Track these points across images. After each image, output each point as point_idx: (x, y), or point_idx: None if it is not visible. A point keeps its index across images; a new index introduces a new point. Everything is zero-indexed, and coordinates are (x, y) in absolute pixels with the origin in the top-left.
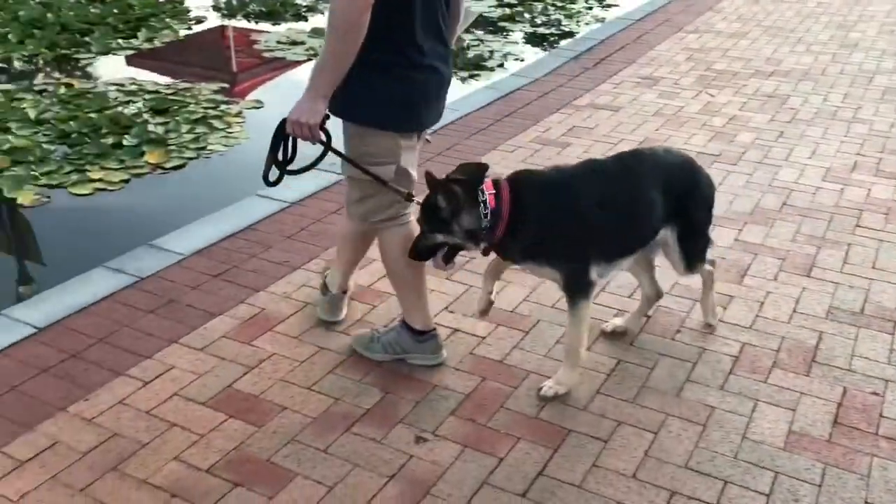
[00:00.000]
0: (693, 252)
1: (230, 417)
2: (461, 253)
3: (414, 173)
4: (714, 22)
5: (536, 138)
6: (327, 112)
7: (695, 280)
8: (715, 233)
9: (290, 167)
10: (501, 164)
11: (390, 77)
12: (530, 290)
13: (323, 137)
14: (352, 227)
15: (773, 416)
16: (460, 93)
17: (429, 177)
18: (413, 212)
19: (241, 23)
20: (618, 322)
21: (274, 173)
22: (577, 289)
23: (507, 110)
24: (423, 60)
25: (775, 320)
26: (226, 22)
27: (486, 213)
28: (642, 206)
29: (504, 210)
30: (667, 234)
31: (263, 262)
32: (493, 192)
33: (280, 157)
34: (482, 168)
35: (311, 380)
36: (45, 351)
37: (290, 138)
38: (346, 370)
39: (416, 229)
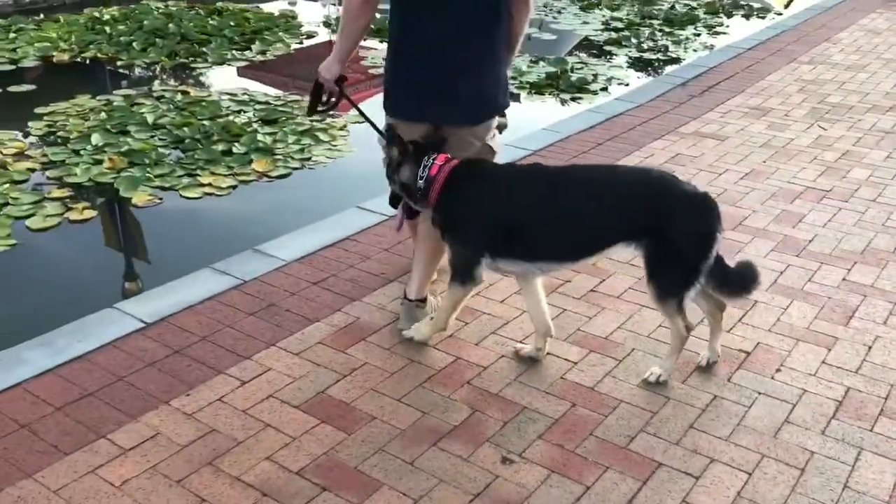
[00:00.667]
0: (661, 277)
1: (322, 422)
2: (554, 275)
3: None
4: (830, 53)
5: (639, 164)
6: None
7: (796, 319)
8: (821, 272)
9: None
10: None
11: (390, 63)
12: (626, 317)
13: (335, 88)
14: (425, 227)
15: (878, 466)
16: (562, 115)
17: (392, 131)
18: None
19: None
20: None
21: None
22: (456, 272)
23: (610, 134)
24: (417, 51)
25: (884, 366)
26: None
27: (423, 176)
28: (572, 216)
29: (438, 180)
30: (638, 253)
31: (361, 272)
32: (441, 164)
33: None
34: (440, 141)
35: (400, 391)
36: (152, 345)
37: (324, 88)
38: (435, 385)
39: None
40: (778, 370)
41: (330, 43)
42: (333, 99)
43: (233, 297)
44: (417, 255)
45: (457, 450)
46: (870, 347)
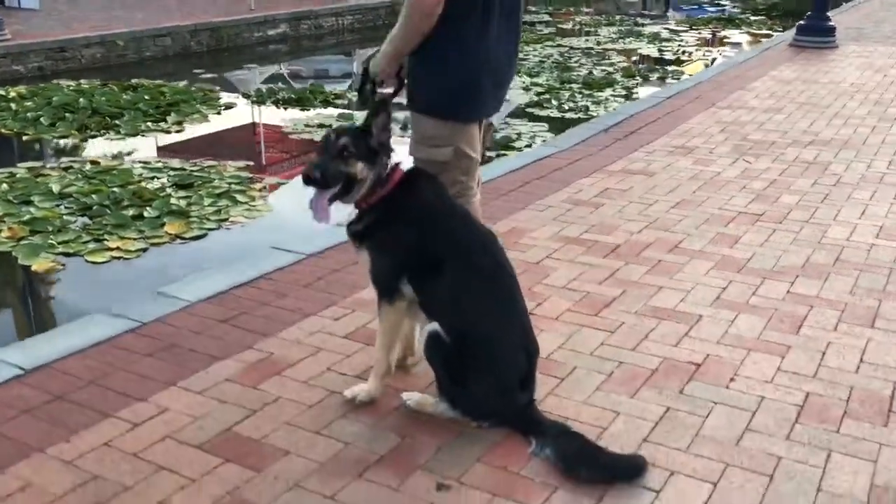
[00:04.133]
0: None
1: (226, 461)
2: None
3: (475, 155)
4: (747, 99)
5: (568, 199)
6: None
7: (744, 330)
8: (764, 286)
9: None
10: (532, 222)
11: (445, 68)
12: (566, 337)
13: (390, 89)
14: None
15: (851, 467)
16: (488, 164)
17: (384, 106)
18: (476, 189)
19: (269, 108)
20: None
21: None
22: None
23: (537, 175)
24: (478, 53)
25: (841, 369)
26: (254, 108)
27: (375, 176)
28: None
29: (387, 186)
30: None
31: (276, 309)
32: (398, 164)
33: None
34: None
35: (319, 424)
36: (29, 392)
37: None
38: (359, 414)
39: (479, 207)
40: (732, 380)
41: (254, 126)
42: (391, 90)
43: (128, 340)
44: None
45: (385, 480)
46: (823, 353)
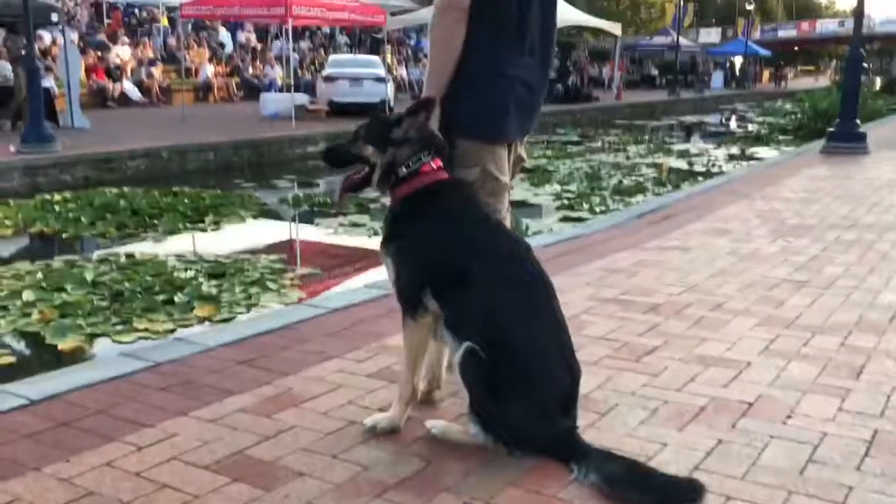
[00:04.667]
0: None
1: (234, 481)
2: None
3: (503, 178)
4: (781, 192)
5: (603, 268)
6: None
7: (798, 375)
8: (815, 339)
9: None
10: (567, 286)
11: (469, 86)
12: (605, 378)
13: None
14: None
15: None
16: None
17: (427, 101)
18: (507, 208)
19: (306, 210)
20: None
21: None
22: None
23: (569, 250)
24: (504, 71)
25: None
26: (292, 210)
27: (412, 167)
28: None
29: (419, 181)
30: None
31: (298, 352)
32: (436, 167)
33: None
34: (443, 147)
35: (337, 449)
36: (32, 419)
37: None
38: (381, 442)
39: (508, 224)
40: (789, 417)
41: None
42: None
43: (142, 376)
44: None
45: (407, 500)
46: (889, 396)
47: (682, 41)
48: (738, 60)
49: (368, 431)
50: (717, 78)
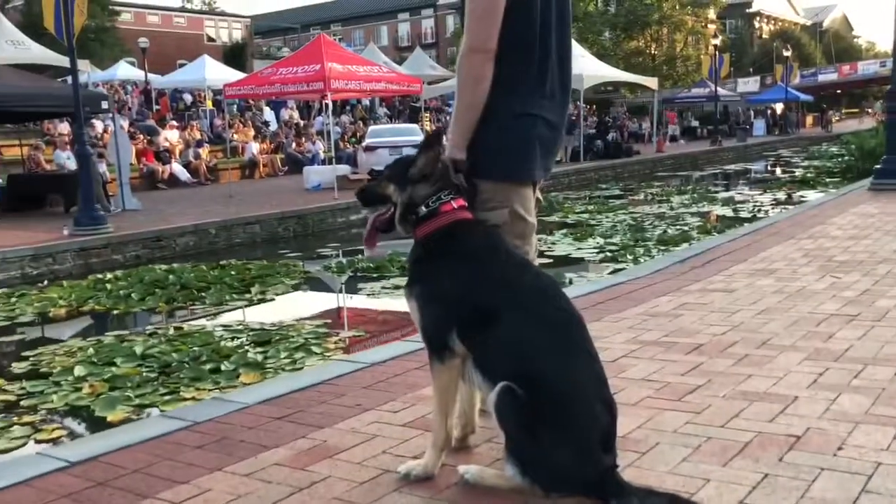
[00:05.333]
0: None
1: None
2: None
3: (530, 218)
4: (828, 230)
5: (644, 312)
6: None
7: (849, 407)
8: (866, 371)
9: None
10: (607, 331)
11: (494, 127)
12: (646, 419)
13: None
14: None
15: None
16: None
17: (437, 134)
18: (533, 256)
19: (349, 276)
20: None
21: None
22: (427, 348)
23: (611, 296)
24: (527, 110)
25: None
26: (335, 276)
27: (431, 206)
28: None
29: (440, 220)
30: None
31: (334, 406)
32: (456, 206)
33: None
34: (468, 190)
35: (370, 498)
36: (71, 480)
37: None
38: (415, 489)
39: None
40: (840, 448)
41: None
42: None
43: (179, 435)
44: None
45: None
46: None
47: (721, 91)
48: (779, 107)
49: (402, 479)
50: (759, 125)
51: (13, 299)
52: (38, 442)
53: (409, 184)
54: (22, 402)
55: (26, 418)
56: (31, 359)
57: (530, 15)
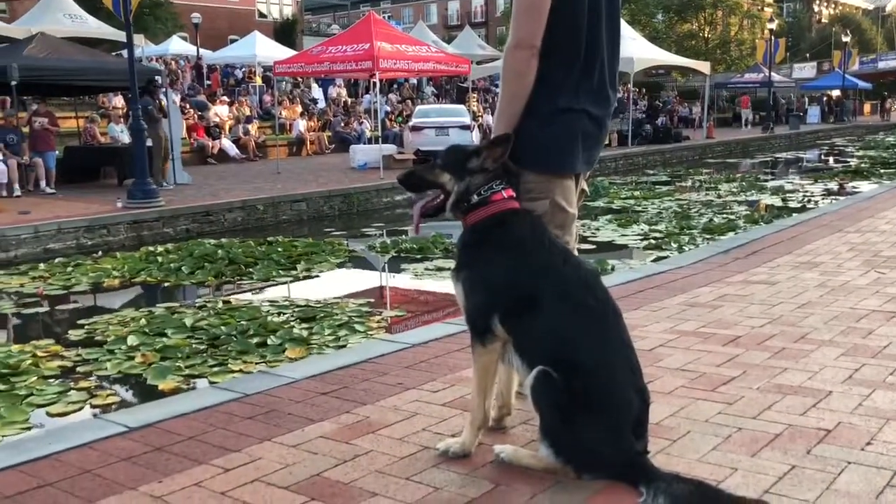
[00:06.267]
0: None
1: (312, 500)
2: None
3: (571, 210)
4: (877, 225)
5: (684, 302)
6: None
7: (881, 403)
8: None
9: None
10: (646, 320)
11: (538, 121)
12: (678, 407)
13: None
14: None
15: None
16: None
17: (507, 137)
18: (573, 245)
19: (392, 257)
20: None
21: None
22: (470, 330)
23: (650, 285)
24: (571, 105)
25: None
26: (378, 256)
27: (482, 195)
28: None
29: (490, 208)
30: None
31: (377, 384)
32: (507, 196)
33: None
34: (514, 176)
35: (410, 472)
36: (130, 444)
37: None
38: (452, 465)
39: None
40: (868, 443)
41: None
42: None
43: (231, 406)
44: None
45: None
46: None
47: (775, 77)
48: (835, 94)
49: (441, 455)
50: (814, 113)
51: (69, 269)
52: (93, 407)
53: (468, 174)
54: (78, 369)
55: (82, 383)
56: (86, 327)
57: (577, 10)
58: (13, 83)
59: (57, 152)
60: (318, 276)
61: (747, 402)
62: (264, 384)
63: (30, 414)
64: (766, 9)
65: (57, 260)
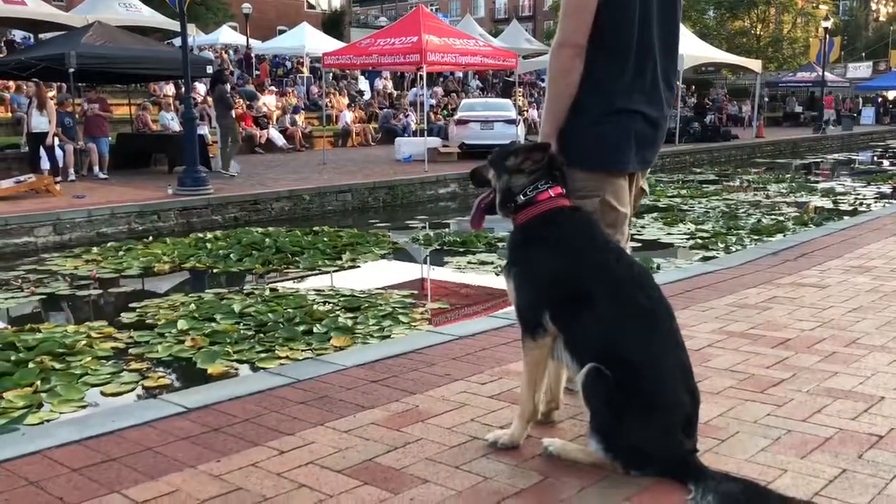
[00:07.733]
0: None
1: (364, 484)
2: None
3: (622, 209)
4: None
5: (732, 303)
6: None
7: None
8: None
9: None
10: (694, 320)
11: (588, 122)
12: (727, 408)
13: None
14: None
15: None
16: None
17: (544, 147)
18: (624, 244)
19: (435, 250)
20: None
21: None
22: (521, 325)
23: (697, 286)
24: (625, 105)
25: None
26: (422, 248)
27: (528, 195)
28: None
29: (537, 207)
30: None
31: (425, 374)
32: (554, 195)
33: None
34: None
35: (459, 461)
36: (189, 425)
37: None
38: (501, 456)
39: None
40: None
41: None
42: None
43: (284, 391)
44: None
45: None
46: None
47: (829, 76)
48: (891, 95)
49: (490, 446)
50: (868, 114)
51: (121, 253)
52: (145, 388)
53: (506, 173)
54: (130, 351)
55: (134, 365)
56: (137, 310)
57: (627, 11)
58: (71, 70)
59: (110, 138)
60: (361, 267)
61: (797, 404)
62: (315, 371)
63: (85, 393)
64: (821, 6)
65: (109, 244)
